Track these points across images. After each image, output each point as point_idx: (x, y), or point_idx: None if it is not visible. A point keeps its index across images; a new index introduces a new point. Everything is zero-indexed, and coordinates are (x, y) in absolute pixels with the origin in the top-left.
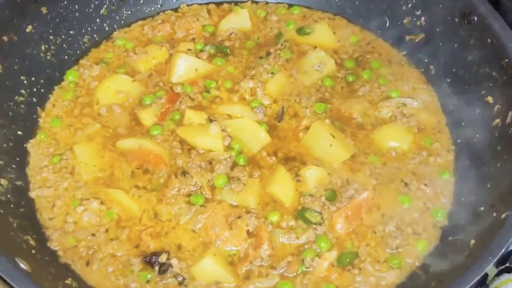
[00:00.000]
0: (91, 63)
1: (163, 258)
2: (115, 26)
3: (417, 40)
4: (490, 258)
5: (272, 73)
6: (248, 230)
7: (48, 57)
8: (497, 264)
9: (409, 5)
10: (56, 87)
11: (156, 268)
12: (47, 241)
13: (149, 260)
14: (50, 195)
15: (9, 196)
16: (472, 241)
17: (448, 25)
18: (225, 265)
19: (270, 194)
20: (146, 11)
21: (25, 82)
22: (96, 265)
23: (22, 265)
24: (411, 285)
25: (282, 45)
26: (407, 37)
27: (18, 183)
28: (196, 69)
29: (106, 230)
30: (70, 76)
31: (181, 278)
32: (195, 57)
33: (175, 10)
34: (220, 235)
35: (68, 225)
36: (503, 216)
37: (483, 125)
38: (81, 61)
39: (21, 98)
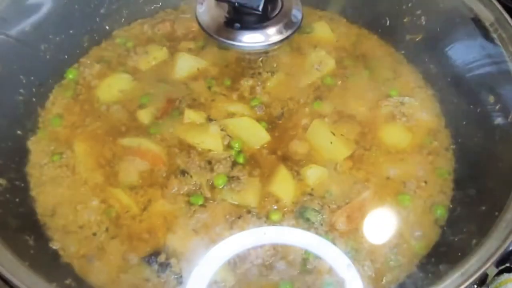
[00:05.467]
0: (91, 62)
1: (162, 258)
2: (115, 25)
3: (417, 40)
4: (490, 258)
5: (272, 72)
6: None
7: (48, 57)
8: (497, 264)
9: (409, 5)
10: (56, 86)
11: (155, 267)
12: (47, 241)
13: (148, 259)
14: (50, 194)
15: (8, 195)
16: (473, 241)
17: (448, 25)
18: (224, 264)
19: (271, 193)
20: (146, 10)
21: (24, 81)
22: (96, 264)
23: (22, 265)
24: (411, 285)
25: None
26: (407, 37)
27: (18, 182)
28: (197, 69)
29: (107, 229)
30: (70, 74)
31: (181, 277)
32: (195, 56)
33: (175, 8)
34: (220, 235)
35: (68, 224)
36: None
37: (483, 124)
38: (81, 60)
39: (20, 98)
